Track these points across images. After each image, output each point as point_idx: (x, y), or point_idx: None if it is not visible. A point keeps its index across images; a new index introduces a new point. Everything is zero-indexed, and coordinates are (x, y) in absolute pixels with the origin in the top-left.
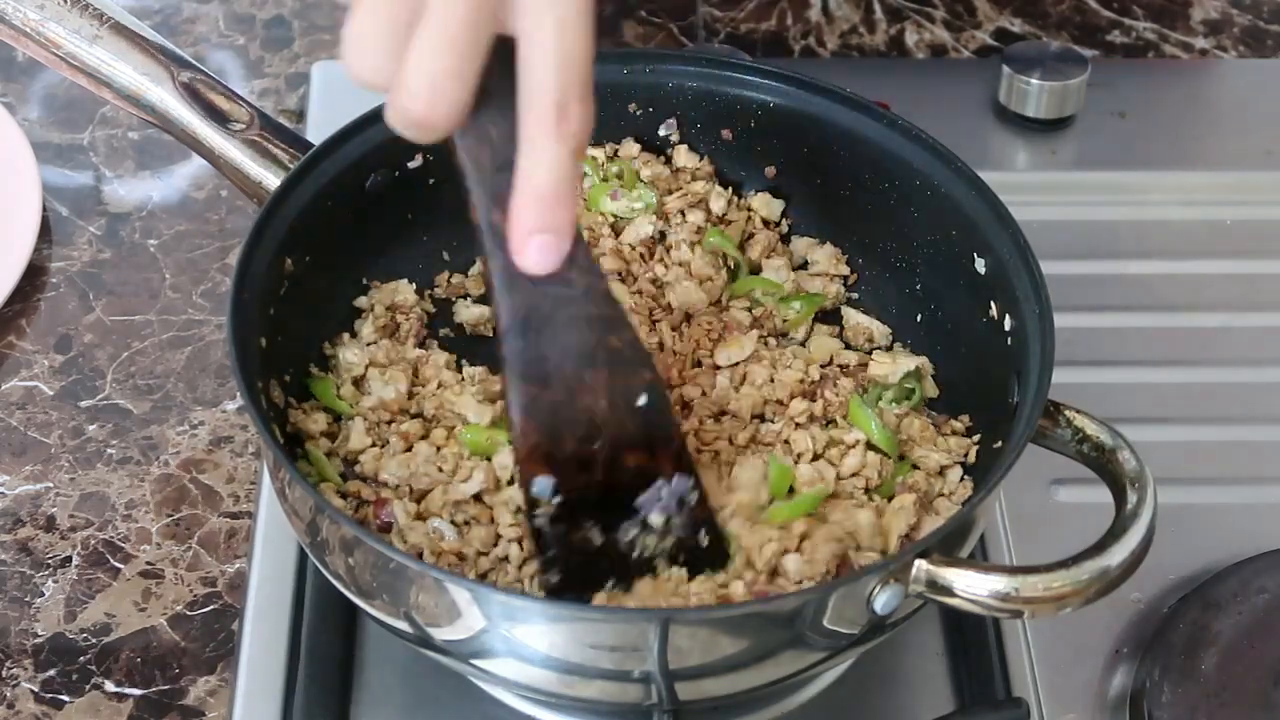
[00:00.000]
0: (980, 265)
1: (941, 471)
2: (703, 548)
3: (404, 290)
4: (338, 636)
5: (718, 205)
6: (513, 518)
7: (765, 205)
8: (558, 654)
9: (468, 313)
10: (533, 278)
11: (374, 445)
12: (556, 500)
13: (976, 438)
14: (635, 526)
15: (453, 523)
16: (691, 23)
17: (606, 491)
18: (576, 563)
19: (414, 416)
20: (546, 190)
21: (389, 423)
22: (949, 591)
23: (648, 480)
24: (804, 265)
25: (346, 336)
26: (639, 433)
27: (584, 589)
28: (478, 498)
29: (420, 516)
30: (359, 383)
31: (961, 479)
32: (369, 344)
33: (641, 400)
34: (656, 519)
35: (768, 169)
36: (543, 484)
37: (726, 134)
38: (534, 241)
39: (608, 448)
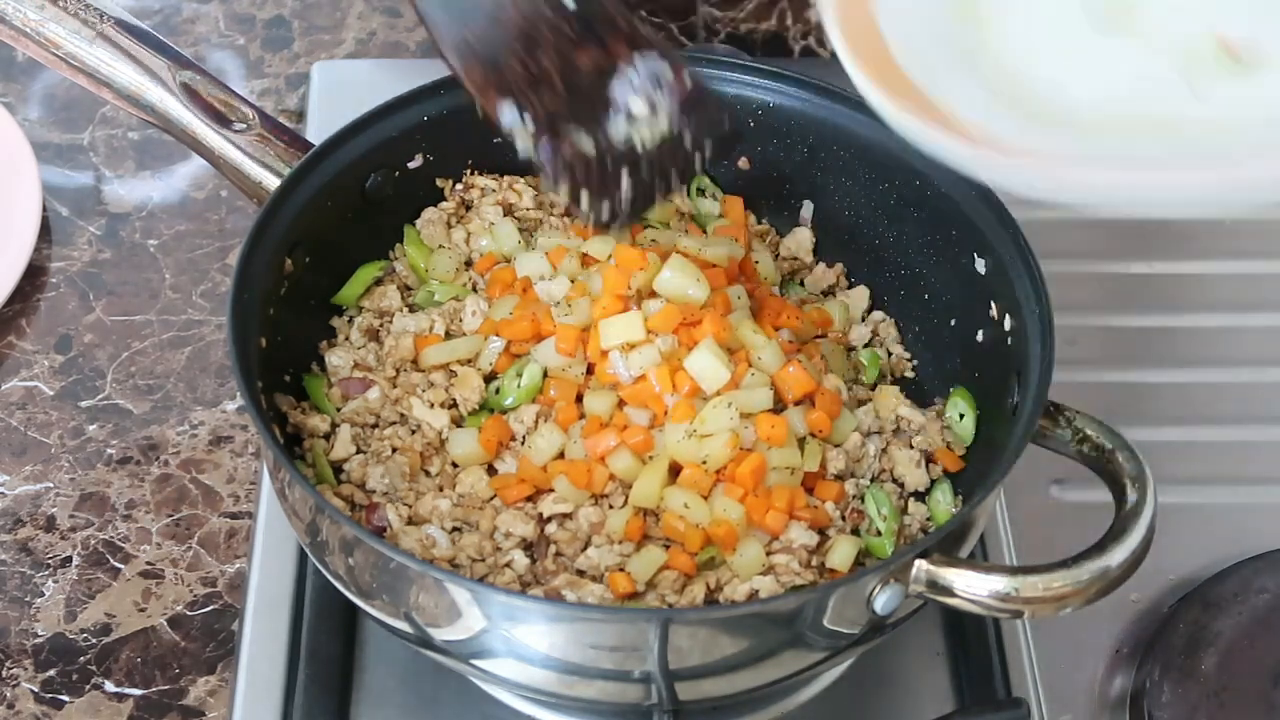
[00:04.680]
0: (980, 265)
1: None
2: (706, 118)
3: (390, 295)
4: (338, 636)
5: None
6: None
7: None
8: (558, 654)
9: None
10: None
11: (359, 452)
12: (529, 122)
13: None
14: (622, 119)
15: (443, 529)
16: (691, 23)
17: (578, 100)
18: (590, 177)
19: (394, 423)
20: None
21: (373, 426)
22: (949, 591)
23: (613, 73)
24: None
25: (336, 339)
26: (579, 28)
27: (601, 187)
28: (469, 505)
29: (413, 521)
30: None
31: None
32: (358, 347)
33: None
34: (638, 106)
35: (741, 160)
36: (508, 112)
37: (744, 163)
38: None
39: (553, 54)
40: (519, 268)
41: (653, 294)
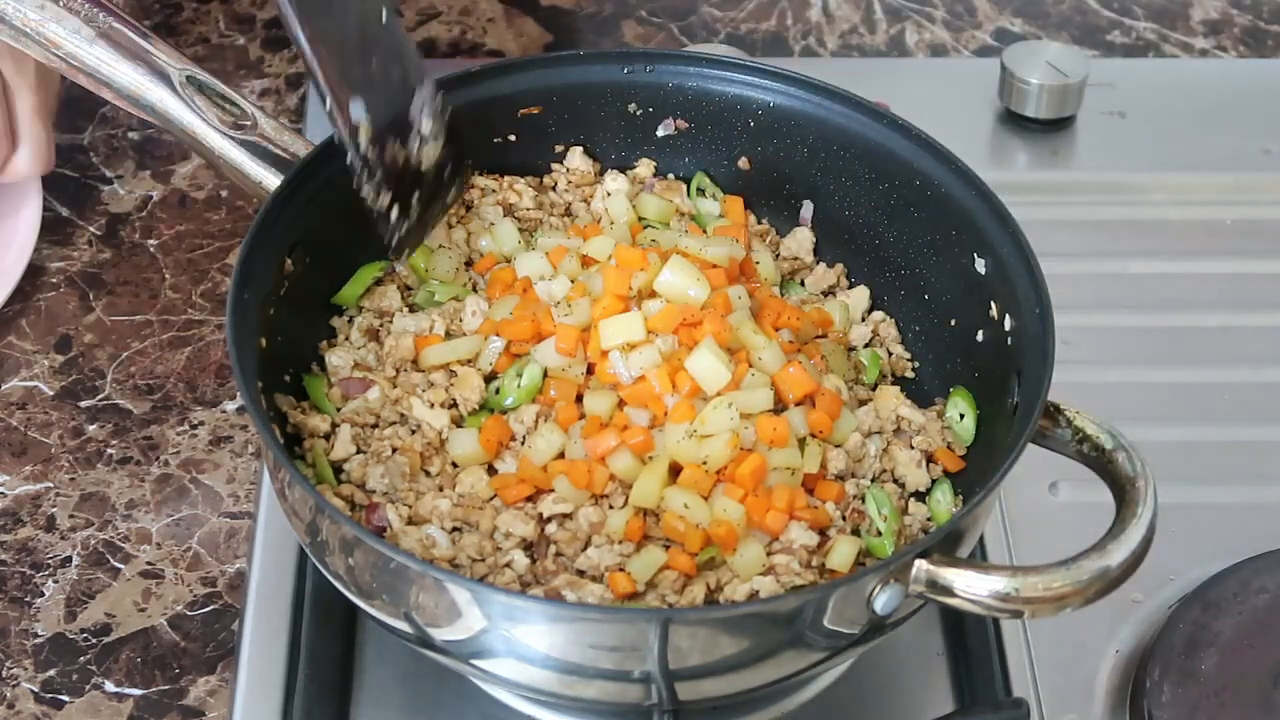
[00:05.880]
0: (980, 265)
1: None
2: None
3: (390, 295)
4: (338, 636)
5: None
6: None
7: (798, 244)
8: (558, 654)
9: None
10: None
11: (359, 452)
12: (368, 119)
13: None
14: (415, 138)
15: (443, 529)
16: (691, 23)
17: (395, 111)
18: (400, 188)
19: (394, 423)
20: None
21: (373, 426)
22: (949, 592)
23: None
24: (830, 292)
25: (336, 339)
26: (391, 43)
27: (405, 202)
28: (469, 505)
29: (413, 522)
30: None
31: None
32: (358, 347)
33: (385, 18)
34: (428, 126)
35: (741, 160)
36: (358, 108)
37: (744, 163)
38: None
39: (381, 61)
40: (519, 268)
41: (653, 294)
